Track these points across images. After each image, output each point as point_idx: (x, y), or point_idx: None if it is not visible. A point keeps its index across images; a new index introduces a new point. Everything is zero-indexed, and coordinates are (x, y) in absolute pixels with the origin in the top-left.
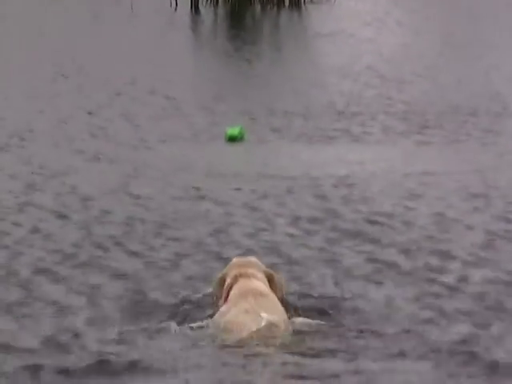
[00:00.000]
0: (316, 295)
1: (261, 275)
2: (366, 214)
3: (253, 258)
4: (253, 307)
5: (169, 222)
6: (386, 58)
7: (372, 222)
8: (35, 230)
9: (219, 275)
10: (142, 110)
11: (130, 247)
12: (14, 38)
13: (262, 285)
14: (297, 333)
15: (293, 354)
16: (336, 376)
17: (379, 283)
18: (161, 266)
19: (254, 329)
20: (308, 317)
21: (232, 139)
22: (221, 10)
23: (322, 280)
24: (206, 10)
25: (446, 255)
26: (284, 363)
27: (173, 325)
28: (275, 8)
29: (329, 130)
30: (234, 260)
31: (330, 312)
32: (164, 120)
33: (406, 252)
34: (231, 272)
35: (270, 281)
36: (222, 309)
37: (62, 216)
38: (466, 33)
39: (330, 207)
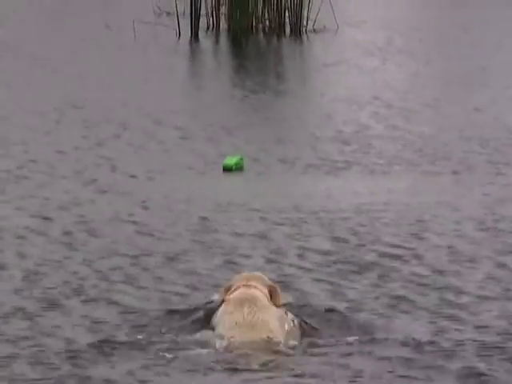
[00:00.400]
0: (323, 327)
1: (263, 288)
2: (376, 245)
3: (259, 273)
4: (245, 319)
5: (178, 253)
6: (392, 88)
7: (382, 254)
8: (42, 262)
9: (226, 284)
10: (149, 141)
11: (138, 279)
12: (16, 67)
13: (260, 294)
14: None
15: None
16: None
17: (388, 317)
18: (170, 299)
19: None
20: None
21: (227, 169)
22: (222, 38)
23: (329, 313)
24: (206, 39)
25: (456, 288)
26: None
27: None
28: (276, 36)
29: (336, 160)
30: (243, 274)
31: (337, 345)
32: (171, 151)
33: (415, 285)
34: (237, 283)
35: (272, 294)
36: (218, 312)
37: (69, 247)
38: (473, 61)
39: (340, 238)
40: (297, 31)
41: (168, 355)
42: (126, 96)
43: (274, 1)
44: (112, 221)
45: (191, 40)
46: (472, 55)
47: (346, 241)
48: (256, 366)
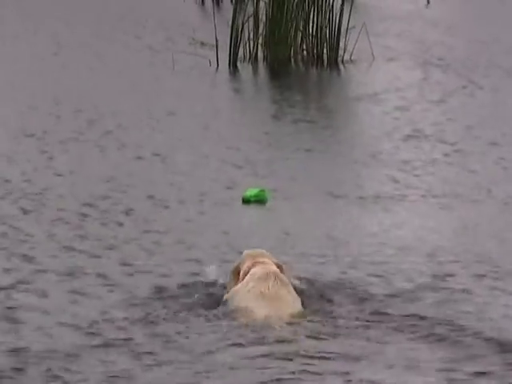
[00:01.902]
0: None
1: (272, 265)
2: (421, 278)
3: (262, 250)
4: (270, 291)
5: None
6: (433, 122)
7: (428, 288)
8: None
9: (234, 265)
10: (186, 168)
11: (154, 323)
12: (58, 96)
13: (277, 269)
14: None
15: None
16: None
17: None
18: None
19: (266, 314)
20: None
21: (246, 201)
22: (260, 69)
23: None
24: (244, 69)
25: None
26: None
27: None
28: (313, 67)
29: (384, 194)
30: (246, 252)
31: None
32: (215, 182)
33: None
34: (246, 262)
35: (281, 270)
36: (237, 287)
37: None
38: None
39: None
40: (334, 62)
41: (187, 329)
42: (168, 128)
43: (312, 32)
44: (128, 253)
45: (229, 70)
46: None
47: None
48: (281, 338)
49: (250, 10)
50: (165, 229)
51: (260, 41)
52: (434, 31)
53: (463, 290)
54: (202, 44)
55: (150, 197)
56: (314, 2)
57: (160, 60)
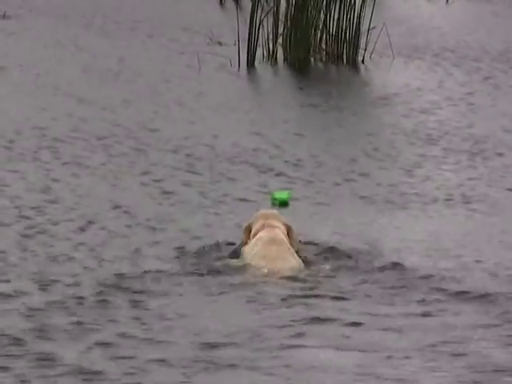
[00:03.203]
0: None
1: (282, 226)
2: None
3: (275, 211)
4: (271, 254)
5: None
6: (457, 124)
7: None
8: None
9: (246, 224)
10: (203, 168)
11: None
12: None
13: (282, 235)
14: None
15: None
16: (346, 318)
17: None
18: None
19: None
20: None
21: (282, 204)
22: (280, 69)
23: None
24: (263, 68)
25: None
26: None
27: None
28: (333, 67)
29: (406, 194)
30: (260, 211)
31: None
32: (223, 182)
33: None
34: (258, 221)
35: (288, 232)
36: (245, 249)
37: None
38: None
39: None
40: (353, 61)
41: (198, 284)
42: (195, 128)
43: (332, 31)
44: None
45: (248, 70)
46: None
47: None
48: (283, 295)
49: (269, 9)
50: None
51: (279, 40)
52: (454, 30)
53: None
54: (221, 44)
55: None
56: (334, 1)
57: (179, 60)
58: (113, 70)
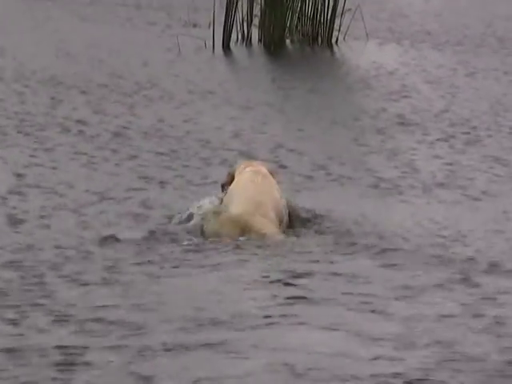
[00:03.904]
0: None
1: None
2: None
3: (258, 161)
4: (258, 181)
5: None
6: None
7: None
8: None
9: (229, 171)
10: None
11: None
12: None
13: (267, 172)
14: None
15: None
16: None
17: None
18: None
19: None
20: None
21: None
22: (255, 50)
23: None
24: (239, 49)
25: None
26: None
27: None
28: (308, 48)
29: (386, 178)
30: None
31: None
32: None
33: None
34: (241, 165)
35: (273, 176)
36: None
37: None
38: None
39: None
40: (328, 43)
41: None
42: (167, 110)
43: (308, 13)
44: None
45: (224, 51)
46: None
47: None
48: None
49: None
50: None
51: (255, 22)
52: (429, 13)
53: None
54: (196, 26)
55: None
56: None
57: (155, 43)
58: (90, 54)
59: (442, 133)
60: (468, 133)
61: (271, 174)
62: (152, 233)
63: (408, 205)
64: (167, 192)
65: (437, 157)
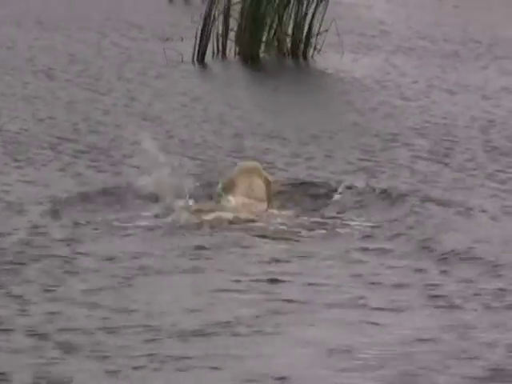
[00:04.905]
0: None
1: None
2: None
3: (255, 163)
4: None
5: None
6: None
7: None
8: None
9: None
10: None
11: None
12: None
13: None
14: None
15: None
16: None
17: None
18: None
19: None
20: None
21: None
22: (231, 63)
23: None
24: (214, 63)
25: None
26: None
27: None
28: (285, 61)
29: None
30: (240, 164)
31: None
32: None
33: None
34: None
35: (267, 186)
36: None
37: None
38: None
39: None
40: (304, 57)
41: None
42: (142, 125)
43: (283, 27)
44: None
45: (199, 64)
46: None
47: None
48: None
49: (221, 5)
50: None
51: (231, 36)
52: (406, 27)
53: None
54: (167, 40)
55: None
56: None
57: (130, 56)
58: (63, 68)
59: (420, 146)
60: (450, 148)
61: (266, 183)
62: None
63: None
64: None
65: (418, 172)
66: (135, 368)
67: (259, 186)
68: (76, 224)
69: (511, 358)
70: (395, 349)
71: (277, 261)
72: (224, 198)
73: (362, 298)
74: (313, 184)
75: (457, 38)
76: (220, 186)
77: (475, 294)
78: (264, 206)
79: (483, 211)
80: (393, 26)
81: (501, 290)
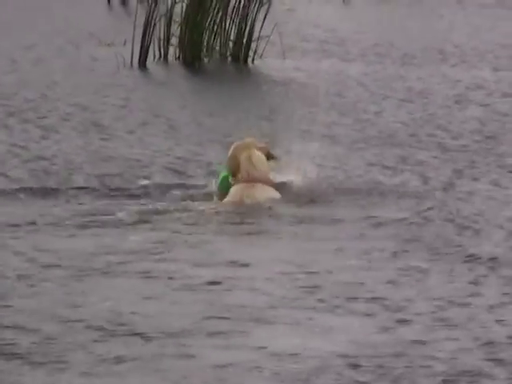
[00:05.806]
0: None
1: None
2: None
3: (250, 139)
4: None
5: None
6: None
7: None
8: None
9: (230, 155)
10: None
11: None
12: None
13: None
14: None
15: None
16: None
17: None
18: None
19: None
20: None
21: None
22: (172, 68)
23: None
24: (156, 68)
25: None
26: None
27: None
28: (226, 66)
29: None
30: (236, 144)
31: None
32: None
33: None
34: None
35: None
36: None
37: None
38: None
39: None
40: (245, 61)
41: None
42: (86, 133)
43: (225, 32)
44: None
45: (141, 70)
46: None
47: None
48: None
49: (162, 9)
50: None
51: (172, 41)
52: (346, 28)
53: None
54: (109, 45)
55: None
56: (228, 5)
57: (69, 62)
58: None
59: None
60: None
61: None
62: None
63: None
64: None
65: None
66: None
67: (259, 156)
68: None
69: None
70: None
71: None
72: (227, 178)
73: None
74: None
75: (403, 41)
76: (220, 166)
77: None
78: (268, 172)
79: None
80: (337, 31)
81: None
